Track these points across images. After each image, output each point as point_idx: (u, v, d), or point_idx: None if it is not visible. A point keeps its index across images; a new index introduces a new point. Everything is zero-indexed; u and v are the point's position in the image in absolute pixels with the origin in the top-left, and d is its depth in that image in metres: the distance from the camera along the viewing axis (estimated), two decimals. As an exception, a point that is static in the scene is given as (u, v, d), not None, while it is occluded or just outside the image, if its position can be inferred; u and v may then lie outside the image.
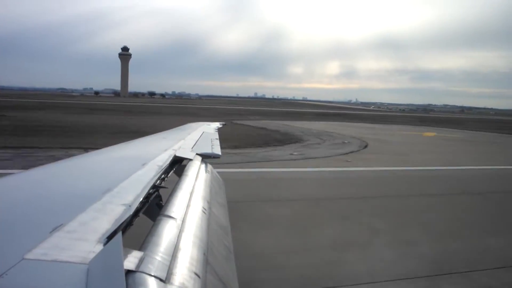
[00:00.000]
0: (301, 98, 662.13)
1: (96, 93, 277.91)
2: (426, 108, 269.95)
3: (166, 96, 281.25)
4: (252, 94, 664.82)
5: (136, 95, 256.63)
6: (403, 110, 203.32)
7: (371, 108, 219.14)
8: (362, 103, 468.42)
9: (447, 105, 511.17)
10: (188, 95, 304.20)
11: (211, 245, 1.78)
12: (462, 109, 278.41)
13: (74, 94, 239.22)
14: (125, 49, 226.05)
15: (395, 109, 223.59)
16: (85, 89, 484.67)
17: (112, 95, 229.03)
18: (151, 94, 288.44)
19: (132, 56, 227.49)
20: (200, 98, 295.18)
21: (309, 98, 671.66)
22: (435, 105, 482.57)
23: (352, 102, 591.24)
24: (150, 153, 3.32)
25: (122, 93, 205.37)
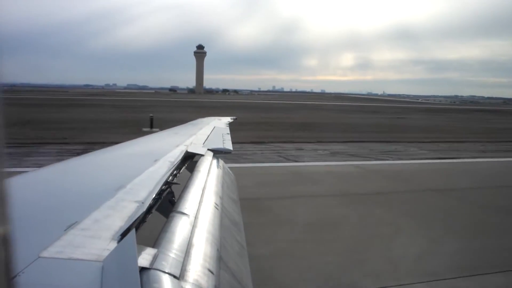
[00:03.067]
0: (319, 91, 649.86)
1: (173, 90, 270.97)
2: (472, 100, 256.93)
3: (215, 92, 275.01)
4: (270, 88, 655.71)
5: (210, 91, 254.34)
6: (454, 102, 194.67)
7: (419, 100, 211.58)
8: (389, 95, 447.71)
9: (474, 96, 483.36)
10: (236, 90, 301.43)
11: (224, 241, 1.78)
12: (505, 101, 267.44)
13: (147, 91, 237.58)
14: (200, 47, 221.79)
15: (444, 102, 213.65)
16: (107, 85, 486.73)
17: (186, 92, 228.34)
18: (225, 91, 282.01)
19: (206, 54, 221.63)
20: (251, 93, 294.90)
21: (327, 90, 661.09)
22: (461, 96, 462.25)
23: (377, 94, 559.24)
24: (162, 149, 3.34)
25: (197, 90, 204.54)
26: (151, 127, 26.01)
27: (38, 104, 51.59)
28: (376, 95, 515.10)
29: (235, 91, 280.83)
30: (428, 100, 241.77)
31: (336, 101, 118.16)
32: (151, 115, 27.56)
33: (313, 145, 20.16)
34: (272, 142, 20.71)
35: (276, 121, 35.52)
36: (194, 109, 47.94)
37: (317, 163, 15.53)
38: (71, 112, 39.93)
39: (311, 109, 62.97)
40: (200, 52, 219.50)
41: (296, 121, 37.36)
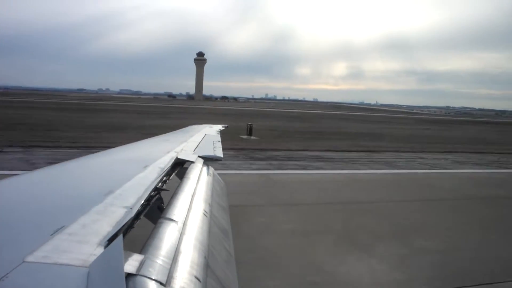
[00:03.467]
0: (311, 99, 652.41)
1: (172, 96, 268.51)
2: (466, 112, 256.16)
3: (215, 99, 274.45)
4: (262, 95, 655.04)
5: (209, 98, 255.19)
6: (449, 113, 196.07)
7: (414, 111, 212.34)
8: (382, 105, 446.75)
9: (465, 107, 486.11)
10: (235, 98, 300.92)
11: (212, 248, 1.78)
12: (497, 113, 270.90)
13: (145, 97, 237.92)
14: (200, 54, 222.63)
15: (439, 112, 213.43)
16: (100, 89, 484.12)
17: (185, 98, 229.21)
18: (224, 98, 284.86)
19: (207, 61, 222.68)
20: (248, 100, 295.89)
21: (319, 99, 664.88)
22: (453, 107, 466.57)
23: (370, 104, 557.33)
24: (152, 155, 3.32)
25: (196, 97, 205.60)
26: (250, 134, 26.16)
27: (73, 109, 53.10)
28: (369, 104, 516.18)
29: (235, 98, 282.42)
30: (422, 110, 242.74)
31: (341, 111, 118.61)
32: (249, 123, 27.03)
33: (426, 155, 21.12)
34: (383, 151, 21.46)
35: (333, 131, 35.88)
36: (231, 117, 47.69)
37: (466, 171, 16.62)
38: (131, 118, 40.88)
39: (341, 119, 63.16)
40: (200, 59, 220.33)
41: (352, 131, 37.94)
